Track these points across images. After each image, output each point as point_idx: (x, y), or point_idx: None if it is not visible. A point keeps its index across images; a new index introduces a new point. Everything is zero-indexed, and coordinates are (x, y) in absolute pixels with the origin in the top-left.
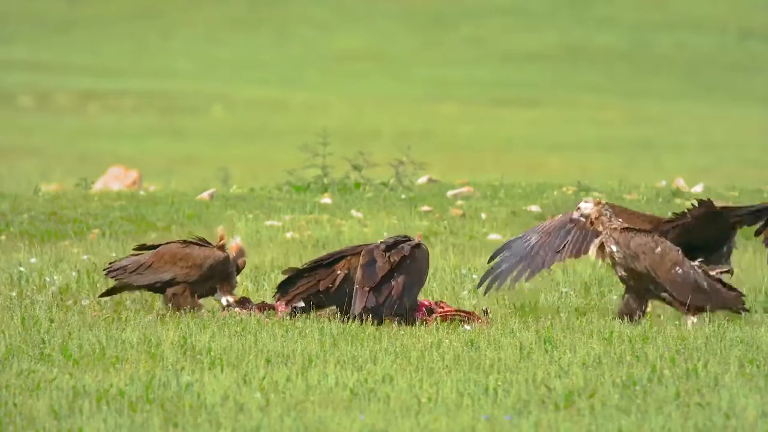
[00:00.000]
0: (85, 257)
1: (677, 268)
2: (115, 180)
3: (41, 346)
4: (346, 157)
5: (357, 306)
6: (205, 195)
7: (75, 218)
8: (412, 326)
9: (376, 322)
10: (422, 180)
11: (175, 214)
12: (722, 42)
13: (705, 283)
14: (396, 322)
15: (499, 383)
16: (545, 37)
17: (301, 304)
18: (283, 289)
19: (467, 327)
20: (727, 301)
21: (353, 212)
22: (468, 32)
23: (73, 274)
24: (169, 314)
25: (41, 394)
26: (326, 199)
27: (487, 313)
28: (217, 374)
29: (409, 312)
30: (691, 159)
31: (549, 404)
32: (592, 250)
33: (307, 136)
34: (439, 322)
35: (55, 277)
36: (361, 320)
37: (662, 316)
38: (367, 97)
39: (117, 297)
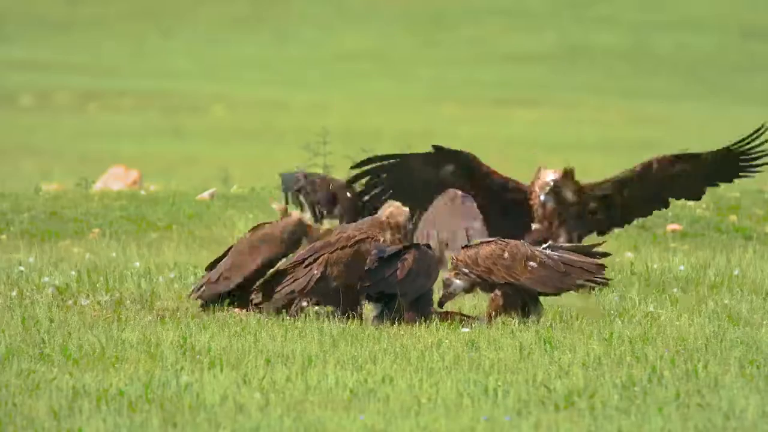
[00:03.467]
0: (87, 256)
1: (530, 262)
2: (115, 180)
3: (41, 345)
4: (348, 155)
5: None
6: (205, 195)
7: (75, 218)
8: (412, 326)
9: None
10: None
11: (176, 213)
12: (723, 42)
13: (562, 265)
14: (395, 321)
15: (499, 384)
16: (545, 37)
17: (304, 303)
18: (265, 288)
19: (466, 329)
20: (589, 271)
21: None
22: (468, 32)
23: (73, 273)
24: (168, 314)
25: (41, 394)
26: None
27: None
28: (217, 374)
29: (412, 305)
30: None
31: (549, 405)
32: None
33: (308, 137)
34: (439, 321)
35: (50, 278)
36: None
37: (663, 317)
38: (368, 97)
39: (117, 297)
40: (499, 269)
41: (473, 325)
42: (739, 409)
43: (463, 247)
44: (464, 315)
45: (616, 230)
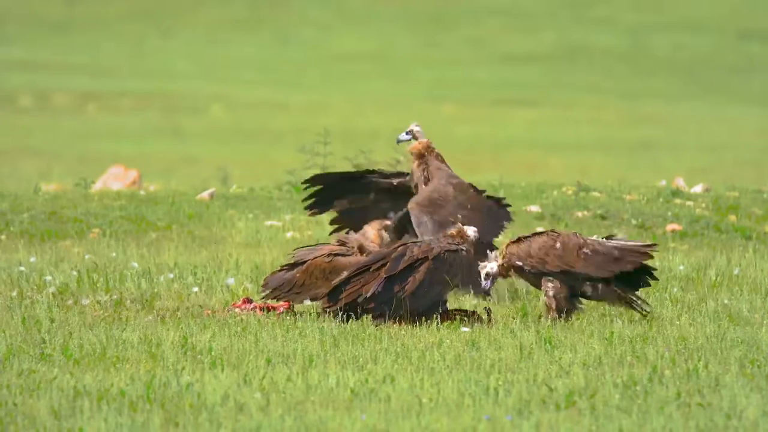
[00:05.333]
0: (86, 257)
1: (583, 249)
2: (115, 180)
3: (42, 345)
4: (347, 156)
5: (369, 291)
6: (205, 195)
7: (75, 218)
8: (413, 326)
9: (379, 314)
10: None
11: (176, 213)
12: (721, 43)
13: (615, 251)
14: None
15: (500, 383)
16: (544, 37)
17: (308, 301)
18: (331, 296)
19: (466, 329)
20: (642, 254)
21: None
22: (467, 33)
23: (74, 273)
24: (169, 314)
25: (42, 394)
26: None
27: (489, 313)
28: (218, 374)
29: (421, 311)
30: (690, 159)
31: (550, 404)
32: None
33: (307, 137)
34: (440, 321)
35: (52, 277)
36: (369, 310)
37: (663, 316)
38: (367, 97)
39: (116, 297)
40: (552, 259)
41: (474, 325)
42: (740, 409)
43: (513, 241)
44: (464, 311)
45: (615, 230)
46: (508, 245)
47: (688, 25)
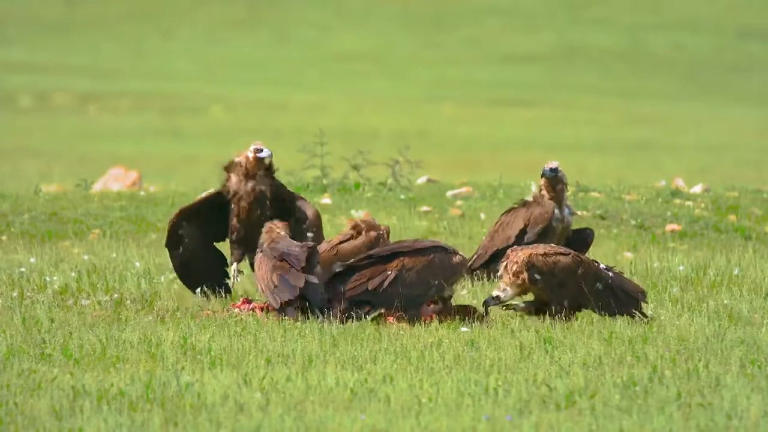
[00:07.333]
0: (85, 257)
1: (598, 284)
2: (115, 180)
3: (42, 345)
4: (344, 156)
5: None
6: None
7: (75, 219)
8: (412, 325)
9: (364, 311)
10: (421, 180)
11: None
12: (719, 42)
13: (621, 292)
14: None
15: (500, 383)
16: (542, 37)
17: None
18: (335, 281)
19: (464, 329)
20: (636, 300)
21: (353, 212)
22: (466, 33)
23: (73, 274)
24: (168, 314)
25: (42, 394)
26: (326, 200)
27: (487, 312)
28: (217, 374)
29: (406, 306)
30: (688, 159)
31: (550, 404)
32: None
33: (306, 137)
34: (439, 321)
35: (55, 278)
36: (353, 310)
37: (662, 316)
38: (367, 97)
39: (117, 297)
40: (571, 284)
41: (473, 324)
42: (740, 409)
43: (541, 253)
44: (463, 308)
45: (614, 231)
46: (530, 255)
47: (687, 24)
